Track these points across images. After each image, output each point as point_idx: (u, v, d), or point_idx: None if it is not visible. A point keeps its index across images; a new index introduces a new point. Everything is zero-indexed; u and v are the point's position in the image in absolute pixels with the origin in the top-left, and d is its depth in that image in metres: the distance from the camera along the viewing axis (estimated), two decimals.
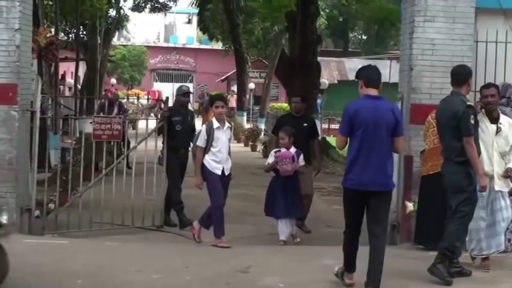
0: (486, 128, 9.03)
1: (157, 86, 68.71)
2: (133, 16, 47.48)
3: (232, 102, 41.10)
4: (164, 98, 13.99)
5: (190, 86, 70.18)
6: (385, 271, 8.48)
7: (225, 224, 10.44)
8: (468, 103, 8.64)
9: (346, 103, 8.09)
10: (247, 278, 8.61)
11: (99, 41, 33.46)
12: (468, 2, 10.65)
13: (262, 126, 34.88)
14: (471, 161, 8.45)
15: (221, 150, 10.44)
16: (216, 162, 10.43)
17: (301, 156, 11.24)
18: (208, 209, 10.60)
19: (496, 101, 9.10)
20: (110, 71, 53.42)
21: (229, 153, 10.63)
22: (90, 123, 12.03)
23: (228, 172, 10.59)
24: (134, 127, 19.46)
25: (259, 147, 28.03)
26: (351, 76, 48.91)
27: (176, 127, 12.11)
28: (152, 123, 12.29)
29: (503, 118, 9.17)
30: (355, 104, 8.00)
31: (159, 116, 12.96)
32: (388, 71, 36.30)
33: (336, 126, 28.37)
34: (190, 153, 11.51)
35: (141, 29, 73.17)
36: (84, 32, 34.40)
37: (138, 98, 14.41)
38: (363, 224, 8.20)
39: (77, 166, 12.24)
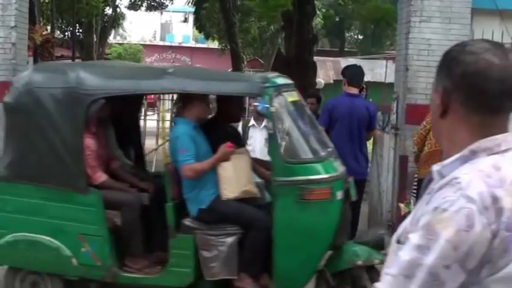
0: None
1: None
2: (129, 14, 47.48)
3: None
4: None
5: None
6: (380, 269, 8.49)
7: None
8: None
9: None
10: None
11: (95, 39, 33.45)
12: (464, 2, 10.67)
13: None
14: None
15: (254, 149, 9.59)
16: None
17: None
18: None
19: None
20: None
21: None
22: None
23: None
24: None
25: None
26: None
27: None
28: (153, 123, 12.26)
29: None
30: (334, 101, 9.54)
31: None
32: (384, 71, 36.34)
33: None
34: None
35: (138, 28, 73.10)
36: (80, 30, 34.36)
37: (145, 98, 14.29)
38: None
39: None
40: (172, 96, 13.57)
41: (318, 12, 36.00)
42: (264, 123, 9.62)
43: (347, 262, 6.90)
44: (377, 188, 11.75)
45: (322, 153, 7.04)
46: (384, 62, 39.21)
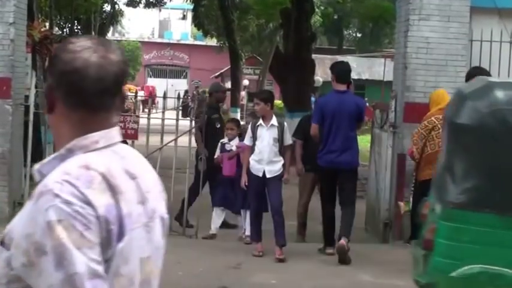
0: None
1: (151, 81, 68.71)
2: (128, 11, 47.45)
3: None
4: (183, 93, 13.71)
5: (184, 82, 70.33)
6: (377, 268, 8.52)
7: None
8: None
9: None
10: (239, 274, 8.62)
11: None
12: (463, 1, 10.67)
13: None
14: None
15: (262, 150, 9.50)
16: (256, 162, 9.56)
17: (245, 140, 9.97)
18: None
19: None
20: None
21: (280, 153, 9.58)
22: None
23: (273, 175, 9.51)
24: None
25: None
26: None
27: (216, 125, 11.89)
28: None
29: None
30: (325, 98, 10.29)
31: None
32: (383, 69, 36.38)
33: None
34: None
35: (136, 25, 73.08)
36: (79, 27, 34.35)
37: (136, 94, 13.97)
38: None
39: None
40: (179, 94, 13.53)
41: (316, 10, 36.00)
42: (271, 122, 9.51)
43: None
44: (375, 187, 11.75)
45: None
46: (383, 60, 39.32)
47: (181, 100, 14.01)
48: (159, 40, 74.59)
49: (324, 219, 9.91)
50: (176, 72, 72.38)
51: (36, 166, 2.14)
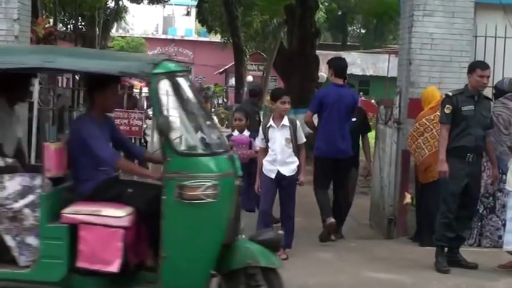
0: None
1: None
2: (132, 8, 47.37)
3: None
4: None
5: None
6: (382, 264, 8.52)
7: None
8: (447, 92, 8.91)
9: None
10: None
11: (97, 33, 33.44)
12: None
13: (260, 118, 34.87)
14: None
15: (276, 151, 9.23)
16: (269, 163, 9.23)
17: (257, 141, 9.73)
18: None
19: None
20: None
21: (295, 154, 9.25)
22: None
23: (289, 174, 9.24)
24: None
25: None
26: (349, 70, 48.68)
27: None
28: None
29: None
30: (325, 91, 10.81)
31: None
32: (387, 65, 36.32)
33: None
34: None
35: (140, 21, 73.20)
36: (83, 23, 34.38)
37: (140, 91, 13.85)
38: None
39: None
40: None
41: (320, 6, 35.91)
42: (282, 123, 9.22)
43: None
44: (379, 183, 11.75)
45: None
46: (387, 56, 39.27)
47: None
48: (163, 36, 74.58)
49: (321, 199, 10.20)
50: None
51: None
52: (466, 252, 9.23)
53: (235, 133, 10.78)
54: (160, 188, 6.15)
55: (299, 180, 9.30)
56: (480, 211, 9.91)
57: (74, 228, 6.20)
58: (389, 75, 32.12)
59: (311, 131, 10.75)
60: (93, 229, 6.18)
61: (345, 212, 10.88)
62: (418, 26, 10.64)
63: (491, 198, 9.95)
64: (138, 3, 44.16)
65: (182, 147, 6.32)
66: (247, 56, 42.46)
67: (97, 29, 33.35)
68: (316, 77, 23.84)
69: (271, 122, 9.27)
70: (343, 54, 49.95)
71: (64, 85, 28.96)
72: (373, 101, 34.91)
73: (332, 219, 9.88)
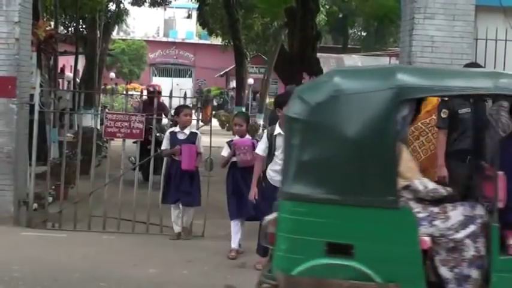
0: None
1: (156, 80, 68.66)
2: (133, 10, 47.40)
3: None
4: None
5: (189, 81, 70.28)
6: None
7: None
8: None
9: None
10: (245, 272, 8.62)
11: (98, 35, 33.39)
12: None
13: (261, 122, 34.90)
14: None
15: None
16: (277, 173, 8.41)
17: (258, 149, 9.28)
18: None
19: None
20: (109, 65, 53.37)
21: None
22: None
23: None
24: None
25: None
26: None
27: None
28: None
29: None
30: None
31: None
32: None
33: None
34: None
35: (141, 24, 73.11)
36: (84, 26, 34.32)
37: (141, 94, 13.85)
38: None
39: (74, 159, 12.19)
40: (185, 93, 13.51)
41: (321, 8, 35.94)
42: None
43: None
44: None
45: None
46: (388, 58, 39.28)
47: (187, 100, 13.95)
48: (164, 39, 74.60)
49: None
50: (181, 71, 72.41)
51: None
52: None
53: (236, 138, 10.21)
54: None
55: None
56: None
57: None
58: None
59: None
60: None
61: None
62: (419, 29, 10.64)
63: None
64: (139, 6, 44.18)
65: None
66: (248, 59, 42.45)
67: (98, 32, 33.30)
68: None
69: (278, 130, 8.74)
70: (344, 57, 50.04)
71: (65, 87, 28.98)
72: None
73: None
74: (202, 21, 43.61)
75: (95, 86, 31.69)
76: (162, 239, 10.60)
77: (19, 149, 10.79)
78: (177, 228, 10.66)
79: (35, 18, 12.89)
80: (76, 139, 13.30)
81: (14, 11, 10.58)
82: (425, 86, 6.22)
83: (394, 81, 6.07)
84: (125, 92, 20.24)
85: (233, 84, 48.37)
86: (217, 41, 52.22)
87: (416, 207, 6.03)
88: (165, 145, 10.74)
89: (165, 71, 72.49)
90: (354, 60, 50.14)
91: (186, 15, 78.91)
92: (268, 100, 42.93)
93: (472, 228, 6.05)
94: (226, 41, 43.95)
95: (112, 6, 37.52)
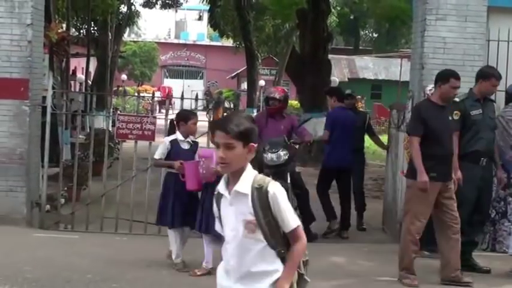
0: None
1: (168, 82, 68.86)
2: (144, 12, 47.57)
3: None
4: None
5: (201, 83, 70.33)
6: (394, 268, 8.51)
7: None
8: (454, 99, 8.83)
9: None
10: None
11: (110, 37, 33.49)
12: (480, 0, 10.62)
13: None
14: None
15: None
16: None
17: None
18: None
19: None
20: (121, 67, 53.50)
21: None
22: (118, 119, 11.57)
23: None
24: None
25: None
26: (362, 74, 48.99)
27: None
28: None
29: None
30: (335, 112, 12.06)
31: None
32: (399, 69, 36.25)
33: None
34: None
35: (152, 26, 73.41)
36: (95, 28, 34.42)
37: (153, 95, 13.83)
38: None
39: (86, 161, 12.24)
40: (197, 94, 13.47)
41: (332, 10, 35.93)
42: None
43: None
44: (392, 187, 11.73)
45: None
46: (399, 60, 39.19)
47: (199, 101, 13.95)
48: (176, 41, 74.78)
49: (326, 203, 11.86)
50: (192, 73, 72.53)
51: None
52: (479, 256, 9.22)
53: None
54: None
55: None
56: (492, 216, 9.91)
57: None
58: (401, 80, 32.04)
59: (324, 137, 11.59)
60: None
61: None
62: (431, 30, 10.63)
63: (502, 202, 9.93)
64: (151, 8, 44.30)
65: None
66: (260, 61, 42.49)
67: (109, 34, 33.41)
68: (328, 81, 23.83)
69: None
70: (356, 59, 49.97)
71: (77, 89, 29.06)
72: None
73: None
74: (213, 23, 43.71)
75: (106, 88, 31.78)
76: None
77: (31, 150, 10.83)
78: (180, 256, 8.86)
79: (47, 20, 12.94)
80: (88, 141, 13.37)
81: (27, 13, 10.62)
82: None
83: None
84: (136, 94, 20.26)
85: (244, 85, 48.41)
86: (229, 42, 52.31)
87: None
88: (160, 154, 8.90)
89: (177, 73, 72.62)
90: (365, 62, 50.08)
91: (197, 17, 79.05)
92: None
93: None
94: (238, 42, 44.04)
95: (123, 8, 37.63)
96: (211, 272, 8.20)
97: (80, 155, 12.75)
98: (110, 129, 13.59)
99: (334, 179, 12.03)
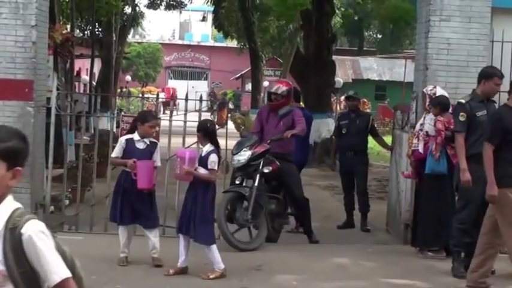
0: None
1: (172, 83, 68.88)
2: (148, 13, 47.58)
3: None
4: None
5: (205, 84, 70.40)
6: (398, 269, 8.51)
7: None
8: (459, 100, 8.83)
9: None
10: (260, 275, 8.63)
11: (114, 38, 33.55)
12: (484, 1, 10.62)
13: None
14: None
15: None
16: None
17: (212, 157, 8.50)
18: None
19: None
20: (125, 68, 53.53)
21: None
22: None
23: None
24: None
25: None
26: (366, 75, 48.95)
27: (342, 130, 12.58)
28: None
29: None
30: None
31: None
32: (403, 70, 36.24)
33: None
34: None
35: (156, 27, 73.32)
36: (100, 29, 34.48)
37: (157, 96, 13.84)
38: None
39: (90, 162, 12.25)
40: (201, 95, 13.44)
41: (336, 11, 35.94)
42: None
43: None
44: (396, 188, 11.73)
45: None
46: (403, 61, 39.18)
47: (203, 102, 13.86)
48: (180, 42, 74.83)
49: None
50: (197, 74, 72.57)
51: None
52: None
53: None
54: None
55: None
56: None
57: None
58: (405, 80, 32.05)
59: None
60: None
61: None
62: (435, 31, 10.63)
63: None
64: (155, 9, 44.30)
65: None
66: (264, 62, 42.49)
67: (114, 35, 33.46)
68: (332, 82, 23.84)
69: None
70: (360, 59, 49.96)
71: (81, 91, 29.09)
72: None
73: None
74: (217, 24, 43.72)
75: (111, 89, 31.82)
76: (177, 241, 10.61)
77: (36, 151, 10.83)
78: (125, 252, 9.07)
79: (51, 21, 12.96)
80: (92, 142, 13.38)
81: (31, 14, 10.63)
82: None
83: None
84: (140, 95, 20.31)
85: (249, 86, 48.41)
86: (233, 43, 52.34)
87: None
88: (116, 152, 9.11)
89: (181, 74, 72.66)
90: (369, 63, 50.05)
91: (202, 18, 79.06)
92: None
93: None
94: (242, 43, 44.02)
95: (128, 10, 37.69)
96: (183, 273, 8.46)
97: (84, 156, 12.76)
98: (114, 130, 13.60)
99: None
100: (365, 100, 34.71)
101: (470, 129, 8.69)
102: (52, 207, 11.41)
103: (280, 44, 44.52)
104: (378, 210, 12.68)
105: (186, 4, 45.86)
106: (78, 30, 32.22)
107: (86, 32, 35.33)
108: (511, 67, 10.44)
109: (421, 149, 9.82)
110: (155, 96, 16.40)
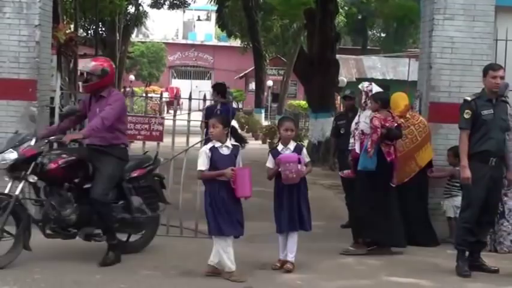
0: None
1: (176, 83, 68.95)
2: (152, 13, 47.72)
3: None
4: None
5: (208, 83, 70.55)
6: (402, 268, 8.49)
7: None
8: (465, 97, 8.85)
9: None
10: (265, 274, 8.62)
11: (118, 38, 33.60)
12: (488, 0, 10.62)
13: None
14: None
15: None
16: None
17: (304, 151, 8.99)
18: None
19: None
20: (129, 68, 53.56)
21: None
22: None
23: None
24: None
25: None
26: (370, 74, 48.87)
27: (341, 130, 12.29)
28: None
29: None
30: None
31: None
32: (407, 68, 36.23)
33: None
34: None
35: (160, 26, 73.57)
36: (103, 29, 34.55)
37: (161, 96, 13.87)
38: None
39: None
40: (205, 95, 13.42)
41: (340, 10, 35.94)
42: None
43: None
44: None
45: None
46: (407, 60, 39.16)
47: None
48: (183, 41, 74.87)
49: None
50: (200, 73, 72.60)
51: None
52: (487, 256, 9.21)
53: (280, 147, 9.06)
54: None
55: None
56: None
57: None
58: (409, 79, 32.04)
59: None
60: None
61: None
62: (439, 30, 10.62)
63: (500, 203, 9.86)
64: (158, 9, 44.38)
65: None
66: (267, 61, 42.51)
67: (117, 34, 33.50)
68: (336, 81, 23.82)
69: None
70: (363, 58, 49.91)
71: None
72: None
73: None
74: (221, 23, 43.76)
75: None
76: (182, 240, 10.61)
77: None
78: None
79: (55, 21, 12.97)
80: None
81: (35, 14, 10.64)
82: None
83: None
84: (144, 95, 20.31)
85: (252, 86, 48.43)
86: (236, 43, 52.38)
87: None
88: (204, 164, 8.37)
89: (185, 73, 72.70)
90: (373, 61, 50.01)
91: (205, 17, 79.14)
92: (288, 102, 42.90)
93: None
94: (245, 43, 44.07)
95: (131, 9, 37.71)
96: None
97: None
98: None
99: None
100: None
101: (474, 127, 8.68)
102: None
103: (283, 43, 44.54)
104: None
105: (190, 3, 45.92)
106: (81, 30, 32.29)
107: (89, 32, 35.38)
108: None
109: (357, 148, 9.78)
110: (159, 95, 16.38)
